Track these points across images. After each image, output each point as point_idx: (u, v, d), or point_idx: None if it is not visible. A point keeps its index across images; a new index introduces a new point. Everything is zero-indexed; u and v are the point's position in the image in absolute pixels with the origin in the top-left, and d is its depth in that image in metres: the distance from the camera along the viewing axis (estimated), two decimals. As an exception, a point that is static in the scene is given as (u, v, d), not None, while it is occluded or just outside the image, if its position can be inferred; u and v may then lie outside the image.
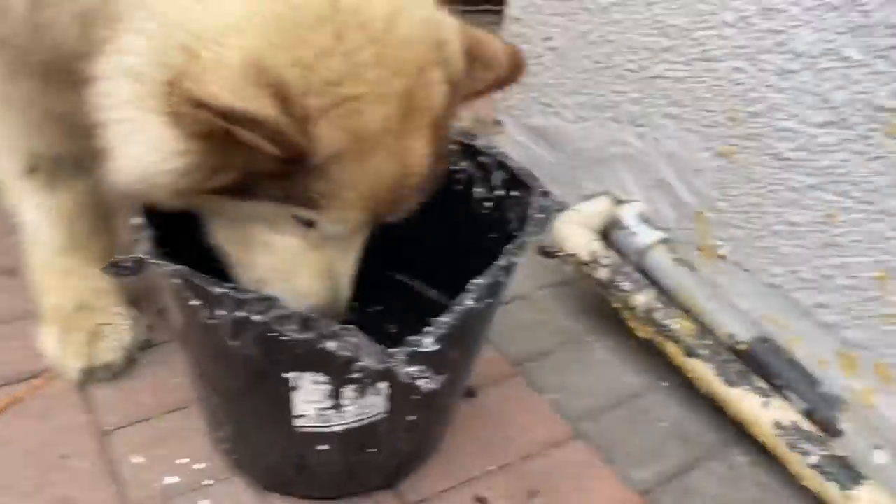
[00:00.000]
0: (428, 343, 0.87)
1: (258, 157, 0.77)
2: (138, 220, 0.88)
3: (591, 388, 1.38)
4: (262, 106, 0.72)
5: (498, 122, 1.81)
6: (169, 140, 0.78)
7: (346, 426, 0.96)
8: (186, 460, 1.13)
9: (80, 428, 1.16)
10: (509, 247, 0.96)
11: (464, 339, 0.97)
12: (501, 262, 0.94)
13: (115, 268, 0.83)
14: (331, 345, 0.82)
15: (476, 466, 1.18)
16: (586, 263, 1.45)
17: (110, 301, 1.30)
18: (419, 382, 0.82)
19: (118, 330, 1.27)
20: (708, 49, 1.30)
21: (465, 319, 0.90)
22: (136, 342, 1.29)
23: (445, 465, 1.18)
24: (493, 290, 0.94)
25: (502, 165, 1.16)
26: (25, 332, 1.31)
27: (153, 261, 0.83)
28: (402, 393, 0.96)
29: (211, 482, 1.11)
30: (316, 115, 0.77)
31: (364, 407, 0.94)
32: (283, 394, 0.91)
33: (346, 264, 0.96)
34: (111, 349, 1.25)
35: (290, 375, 0.89)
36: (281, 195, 0.84)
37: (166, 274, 0.85)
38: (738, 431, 1.25)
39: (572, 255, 1.46)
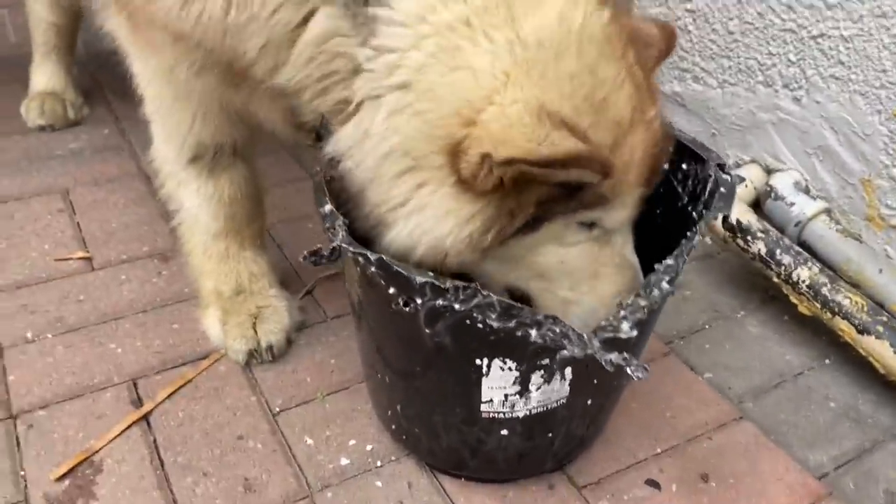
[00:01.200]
0: (626, 329, 0.84)
1: (555, 187, 0.82)
2: (329, 208, 0.88)
3: (748, 366, 1.33)
4: (573, 144, 0.77)
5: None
6: (463, 204, 0.83)
7: (528, 412, 0.95)
8: (355, 441, 1.15)
9: (251, 409, 1.19)
10: (699, 225, 0.92)
11: (650, 321, 0.94)
12: (691, 240, 0.91)
13: (314, 256, 0.83)
14: (533, 332, 0.81)
15: (642, 449, 1.16)
16: (738, 236, 1.39)
17: (266, 284, 1.32)
18: (628, 370, 0.80)
19: (277, 312, 1.29)
20: (883, 3, 1.21)
21: (659, 303, 0.87)
22: (293, 324, 1.31)
23: (612, 447, 1.16)
24: (681, 269, 0.91)
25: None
26: (184, 315, 1.35)
27: (352, 249, 0.83)
28: (583, 378, 0.94)
29: (381, 463, 1.12)
30: (592, 130, 0.82)
31: (548, 393, 0.93)
32: (472, 379, 0.91)
33: (630, 249, 0.98)
34: (273, 331, 1.27)
35: (481, 362, 0.88)
36: (572, 207, 0.87)
37: (361, 262, 0.84)
38: (920, 412, 1.19)
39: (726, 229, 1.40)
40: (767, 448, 1.17)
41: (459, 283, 0.80)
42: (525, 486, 1.09)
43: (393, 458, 1.13)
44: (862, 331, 1.22)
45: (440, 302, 0.81)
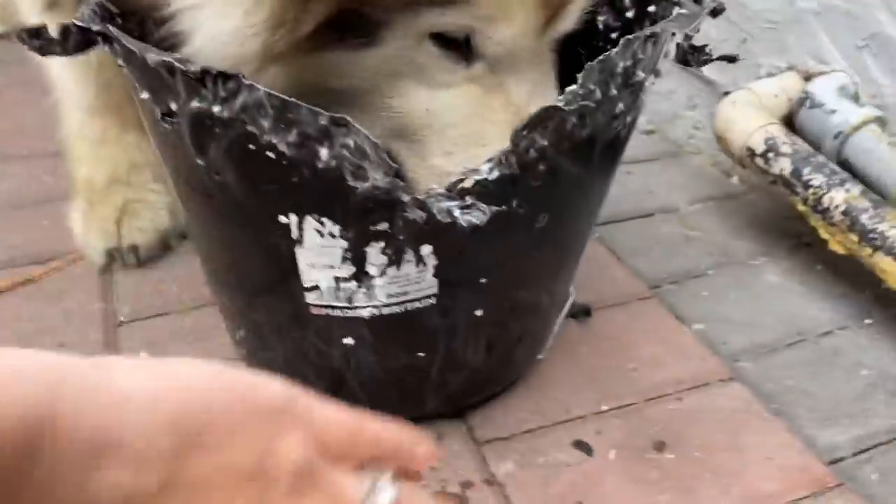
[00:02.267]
0: (485, 169, 0.55)
1: None
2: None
3: (756, 321, 0.99)
4: None
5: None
6: None
7: (377, 311, 0.66)
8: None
9: (89, 316, 0.95)
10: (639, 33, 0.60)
11: (559, 177, 0.63)
12: (622, 45, 0.60)
13: (34, 38, 0.57)
14: (323, 152, 0.52)
15: (580, 404, 0.85)
16: (758, 155, 1.06)
17: (148, 177, 1.08)
18: (458, 216, 0.51)
19: (152, 209, 1.05)
20: None
21: (559, 135, 0.57)
22: (173, 228, 1.06)
23: (536, 397, 0.85)
24: (608, 93, 0.60)
25: (635, -24, 0.81)
26: (62, 213, 1.13)
27: (88, 27, 0.57)
28: (459, 268, 0.65)
29: (227, 391, 0.85)
30: None
31: (401, 283, 0.64)
32: (283, 251, 0.63)
33: (536, 102, 0.64)
34: (141, 229, 1.03)
35: (287, 219, 0.60)
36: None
37: (112, 53, 0.58)
38: None
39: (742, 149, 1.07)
40: (760, 418, 0.84)
41: (215, 69, 0.52)
42: (404, 434, 0.80)
43: (246, 386, 0.86)
44: (913, 271, 0.87)
45: (197, 105, 0.54)
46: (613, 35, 0.84)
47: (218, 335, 0.92)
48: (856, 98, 1.05)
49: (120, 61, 0.58)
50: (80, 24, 0.57)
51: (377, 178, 0.52)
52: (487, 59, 0.63)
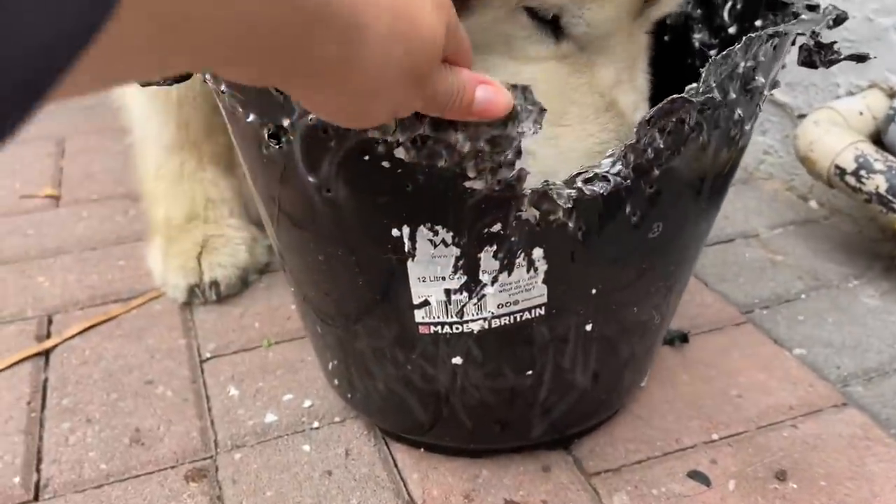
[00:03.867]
0: (606, 163, 0.53)
1: None
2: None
3: (860, 343, 0.94)
4: None
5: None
6: None
7: (487, 323, 0.63)
8: (291, 396, 0.86)
9: (174, 352, 0.93)
10: (754, 37, 0.58)
11: (675, 185, 0.61)
12: (744, 43, 0.57)
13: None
14: (460, 137, 0.50)
15: (688, 433, 0.80)
16: (849, 173, 1.02)
17: (225, 212, 1.07)
18: (581, 186, 0.49)
19: (230, 244, 1.04)
20: None
21: (677, 138, 0.55)
22: (253, 262, 1.06)
23: (642, 426, 0.81)
24: (727, 96, 0.58)
25: (735, -10, 0.79)
26: (137, 252, 1.13)
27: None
28: (569, 274, 0.62)
29: (318, 424, 0.82)
30: None
31: (512, 290, 0.61)
32: (394, 267, 0.61)
33: (625, 88, 0.63)
34: (221, 265, 1.02)
35: (400, 232, 0.58)
36: None
37: (213, 82, 0.57)
38: None
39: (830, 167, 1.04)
40: (883, 444, 0.78)
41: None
42: (507, 464, 0.76)
43: (337, 418, 0.83)
44: None
45: (313, 117, 0.53)
46: (712, 53, 0.82)
47: (304, 368, 0.90)
48: (948, 112, 1.02)
49: (223, 87, 0.57)
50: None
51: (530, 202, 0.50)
52: (577, 39, 0.61)
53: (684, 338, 0.92)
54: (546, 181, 0.55)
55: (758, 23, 0.76)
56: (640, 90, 0.65)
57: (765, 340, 0.95)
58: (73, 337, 0.95)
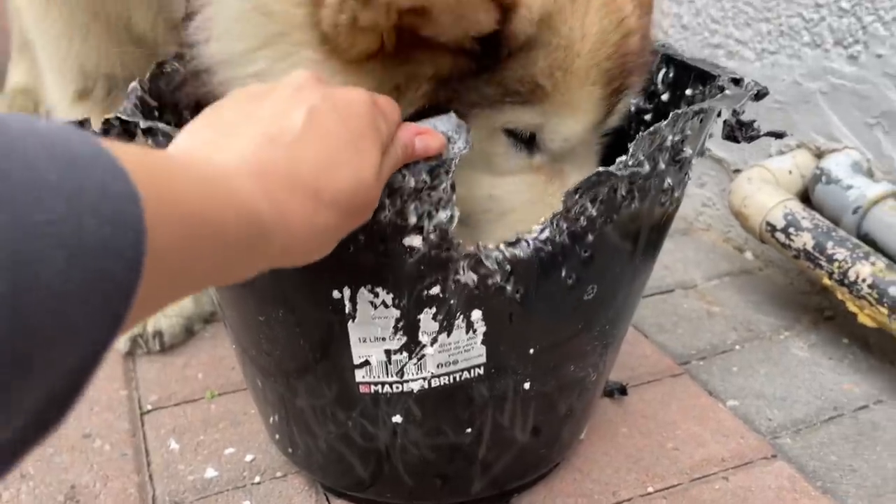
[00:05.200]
0: (536, 229, 0.56)
1: (447, 55, 0.57)
2: (135, 84, 0.64)
3: (789, 395, 0.98)
4: None
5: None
6: (328, 76, 0.56)
7: (426, 383, 0.64)
8: (233, 450, 0.86)
9: (114, 405, 0.92)
10: (682, 112, 0.62)
11: (608, 249, 0.63)
12: (671, 119, 0.61)
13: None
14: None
15: (625, 486, 0.82)
16: (778, 230, 1.07)
17: (171, 262, 1.07)
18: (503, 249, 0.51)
19: (176, 294, 1.03)
20: (958, -89, 0.92)
21: (609, 206, 0.57)
22: (198, 311, 1.05)
23: (583, 479, 0.82)
24: (657, 167, 0.61)
25: (669, 61, 0.83)
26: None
27: (132, 121, 0.57)
28: (507, 335, 0.64)
29: (260, 479, 0.82)
30: None
31: (451, 351, 0.63)
32: (335, 327, 0.62)
33: None
34: (165, 314, 1.01)
35: (341, 294, 0.60)
36: (491, 96, 0.60)
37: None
38: None
39: (760, 223, 1.08)
40: (809, 497, 0.81)
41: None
42: (447, 520, 0.77)
43: (279, 473, 0.83)
44: (948, 339, 0.87)
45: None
46: (647, 117, 0.86)
47: (247, 421, 0.90)
48: (870, 174, 1.07)
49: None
50: (123, 117, 0.57)
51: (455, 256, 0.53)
52: (549, 151, 0.65)
53: (623, 390, 0.95)
54: (478, 243, 0.57)
55: (688, 91, 0.81)
56: None
57: (700, 392, 0.98)
58: (9, 388, 0.93)
